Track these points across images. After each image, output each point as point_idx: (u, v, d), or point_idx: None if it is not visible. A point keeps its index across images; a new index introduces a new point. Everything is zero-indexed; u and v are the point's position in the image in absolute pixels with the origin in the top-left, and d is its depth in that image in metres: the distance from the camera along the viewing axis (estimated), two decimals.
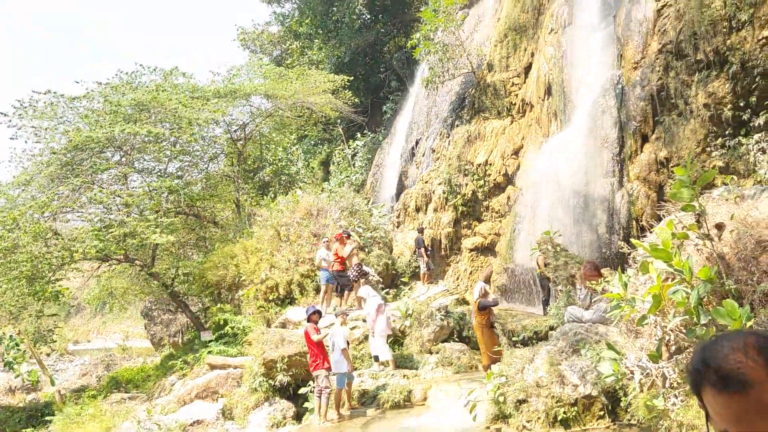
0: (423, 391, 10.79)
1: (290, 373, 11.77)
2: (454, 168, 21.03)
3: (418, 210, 22.63)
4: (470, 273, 20.57)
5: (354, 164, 32.25)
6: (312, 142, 36.77)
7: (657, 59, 14.07)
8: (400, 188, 25.75)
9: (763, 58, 11.72)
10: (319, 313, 11.17)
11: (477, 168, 20.35)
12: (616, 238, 14.09)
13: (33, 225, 16.86)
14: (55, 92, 19.79)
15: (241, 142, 25.72)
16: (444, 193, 21.27)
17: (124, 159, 20.59)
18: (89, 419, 14.72)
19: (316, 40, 35.32)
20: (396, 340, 13.54)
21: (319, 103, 25.26)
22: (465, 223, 20.98)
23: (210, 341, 17.25)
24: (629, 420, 7.19)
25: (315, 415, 10.56)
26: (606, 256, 14.30)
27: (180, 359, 17.89)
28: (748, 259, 5.72)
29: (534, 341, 11.58)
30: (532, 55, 19.93)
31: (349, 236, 15.85)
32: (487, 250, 20.42)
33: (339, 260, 15.23)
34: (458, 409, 9.17)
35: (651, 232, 7.02)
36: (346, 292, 15.46)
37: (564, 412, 7.50)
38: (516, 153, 19.53)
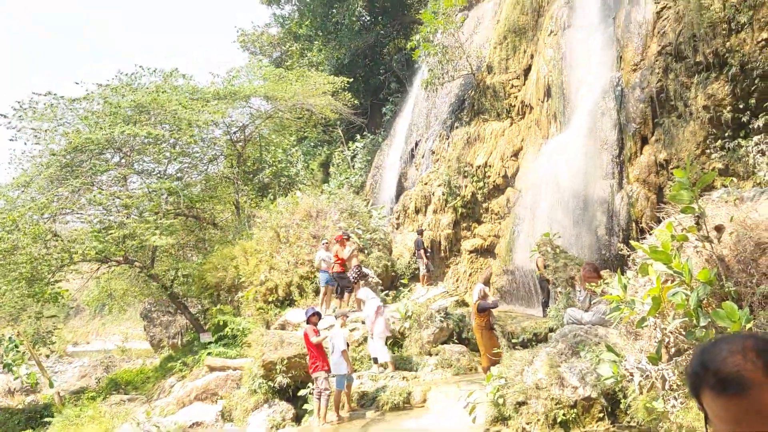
0: (422, 392, 10.78)
1: (289, 374, 11.76)
2: (454, 170, 21.04)
3: (417, 212, 22.63)
4: (470, 275, 20.57)
5: (353, 166, 32.24)
6: (311, 144, 36.77)
7: (656, 61, 14.09)
8: (400, 190, 25.75)
9: (763, 60, 11.73)
10: (318, 314, 11.17)
11: (476, 170, 20.36)
12: (615, 239, 14.10)
13: (32, 226, 16.85)
14: (55, 94, 19.80)
15: (240, 144, 25.72)
16: (443, 194, 21.28)
17: (123, 160, 20.59)
18: (88, 421, 14.70)
19: (316, 42, 35.34)
20: (395, 341, 13.53)
21: (319, 104, 25.26)
22: (464, 224, 20.98)
23: (209, 343, 17.24)
24: (629, 422, 7.18)
25: (314, 416, 10.55)
26: (605, 257, 14.31)
27: (179, 361, 17.88)
28: (748, 261, 5.72)
29: (533, 343, 11.59)
30: (532, 57, 19.94)
31: (348, 238, 15.85)
32: (486, 251, 20.42)
33: (339, 262, 15.23)
34: (458, 410, 9.17)
35: (650, 234, 7.02)
36: (345, 294, 15.45)
37: (563, 414, 7.50)
38: (515, 155, 19.53)
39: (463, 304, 16.05)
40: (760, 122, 11.88)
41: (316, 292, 16.25)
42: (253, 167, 27.79)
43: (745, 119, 12.17)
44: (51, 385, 18.68)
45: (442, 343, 13.24)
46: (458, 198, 20.76)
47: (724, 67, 12.50)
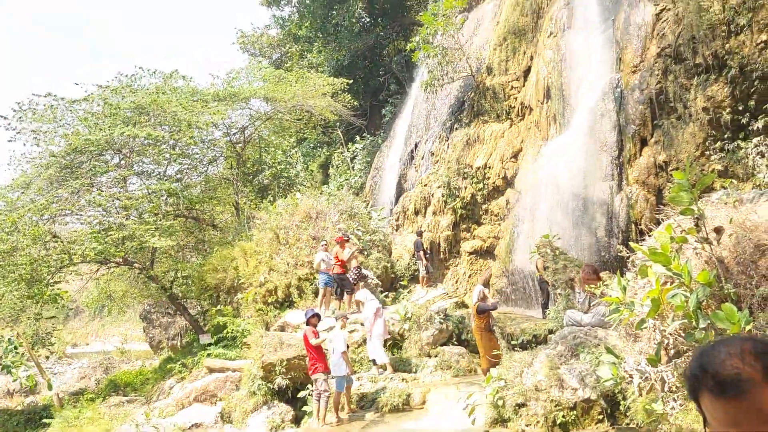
0: (422, 394, 10.78)
1: (289, 376, 11.75)
2: (453, 171, 21.04)
3: (417, 213, 22.64)
4: (469, 276, 20.57)
5: (353, 167, 32.25)
6: (311, 145, 36.78)
7: (656, 63, 14.10)
8: (399, 191, 25.76)
9: (762, 62, 11.74)
10: (318, 316, 11.15)
11: (476, 171, 20.36)
12: (615, 241, 14.10)
13: (32, 228, 16.85)
14: (54, 95, 19.81)
15: (240, 145, 25.73)
16: (443, 196, 21.29)
17: (123, 162, 20.60)
18: (87, 422, 14.70)
19: (316, 44, 35.37)
20: (395, 343, 13.52)
21: (319, 106, 25.28)
22: (464, 226, 20.98)
23: (209, 344, 17.23)
24: (628, 424, 7.18)
25: (314, 418, 10.53)
26: (605, 259, 14.31)
27: (179, 362, 17.87)
28: (747, 263, 5.72)
29: (533, 345, 11.58)
30: (531, 58, 19.96)
31: (348, 239, 15.85)
32: (486, 253, 20.42)
33: (339, 263, 15.22)
34: (457, 412, 9.16)
35: (650, 236, 7.02)
36: (345, 296, 15.44)
37: (563, 416, 7.49)
38: (515, 156, 19.54)
39: (463, 305, 16.04)
40: (759, 124, 11.89)
41: (316, 293, 16.24)
42: (253, 168, 27.82)
43: (744, 121, 12.18)
44: (50, 387, 18.67)
45: (442, 345, 13.23)
46: (458, 199, 20.76)
47: (723, 69, 12.52)
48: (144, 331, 28.16)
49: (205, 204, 22.99)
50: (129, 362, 26.45)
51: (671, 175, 12.46)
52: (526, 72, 20.17)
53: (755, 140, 12.00)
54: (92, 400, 17.80)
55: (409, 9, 34.40)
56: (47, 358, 26.55)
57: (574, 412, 7.53)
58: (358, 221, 19.25)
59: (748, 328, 4.90)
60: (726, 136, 12.54)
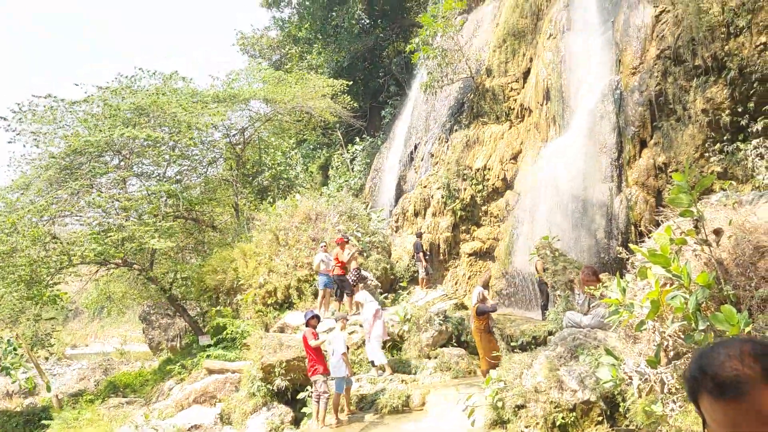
0: (421, 396, 10.77)
1: (288, 377, 11.75)
2: (453, 173, 21.05)
3: (416, 214, 22.64)
4: (469, 278, 20.57)
5: (353, 169, 32.26)
6: (311, 147, 36.80)
7: (655, 65, 14.11)
8: (399, 193, 25.77)
9: (761, 63, 11.76)
10: (317, 317, 11.15)
11: (476, 173, 20.37)
12: (614, 243, 14.10)
13: (31, 229, 16.84)
14: (55, 97, 19.81)
15: (240, 147, 25.74)
16: (443, 197, 21.29)
17: (122, 163, 20.60)
18: (87, 424, 14.69)
19: (316, 45, 35.39)
20: (394, 344, 13.52)
21: (318, 107, 25.29)
22: (463, 227, 20.98)
23: (208, 346, 17.22)
24: (628, 425, 7.17)
25: (313, 420, 10.53)
26: (604, 261, 14.31)
27: (178, 364, 17.86)
28: (746, 264, 5.73)
29: (532, 346, 11.57)
30: (531, 60, 19.98)
31: (348, 241, 15.85)
32: (485, 254, 20.42)
33: (339, 265, 15.21)
34: (457, 414, 9.16)
35: (649, 238, 7.02)
36: (345, 297, 15.43)
37: (562, 418, 7.49)
38: (515, 158, 19.55)
39: (462, 307, 16.04)
40: (758, 126, 11.90)
41: (315, 295, 16.24)
42: (253, 170, 27.82)
43: (743, 123, 12.19)
44: (48, 390, 18.66)
45: (441, 346, 13.23)
46: (457, 201, 20.77)
47: (722, 71, 12.53)
48: (143, 333, 28.16)
49: (205, 205, 23.00)
50: (128, 363, 26.43)
51: (671, 176, 12.46)
52: (526, 74, 20.19)
53: (754, 142, 12.01)
54: (91, 402, 17.79)
55: (408, 11, 34.43)
56: (47, 359, 26.53)
57: (574, 413, 7.53)
58: (358, 223, 19.26)
59: (747, 329, 4.90)
60: (725, 137, 12.55)
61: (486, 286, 12.74)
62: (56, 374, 28.36)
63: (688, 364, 1.52)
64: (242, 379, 12.94)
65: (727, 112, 12.40)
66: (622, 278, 6.56)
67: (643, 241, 7.49)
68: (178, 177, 22.99)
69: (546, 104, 18.33)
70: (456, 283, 20.79)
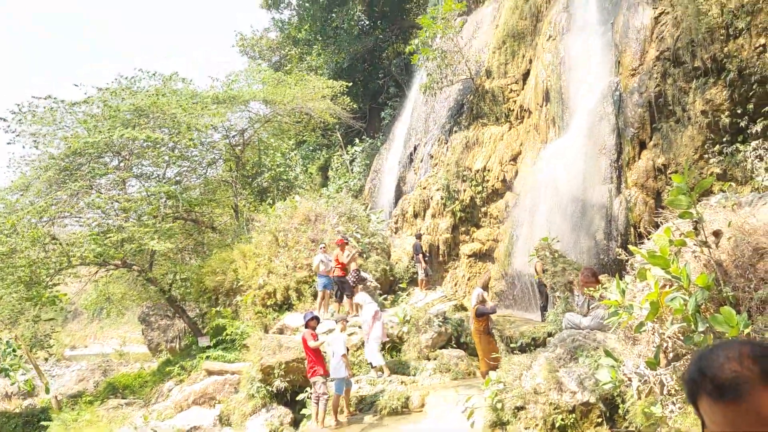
0: (421, 397, 10.77)
1: (288, 379, 11.75)
2: (453, 174, 21.05)
3: (416, 216, 22.64)
4: (468, 279, 20.56)
5: (352, 170, 32.27)
6: (310, 148, 36.80)
7: (655, 66, 14.13)
8: (398, 194, 25.77)
9: (760, 65, 11.77)
10: (317, 319, 11.15)
11: (475, 174, 20.37)
12: (613, 244, 14.11)
13: (31, 230, 16.83)
14: (55, 98, 19.80)
15: (239, 148, 25.73)
16: (442, 199, 21.29)
17: (122, 164, 20.60)
18: (86, 425, 14.67)
19: (315, 46, 35.40)
20: (394, 346, 13.52)
21: (318, 108, 25.30)
22: (463, 229, 20.98)
23: (207, 347, 17.21)
24: (627, 427, 7.18)
25: (312, 421, 10.53)
26: (604, 262, 14.31)
27: (177, 365, 17.84)
28: (746, 266, 5.73)
29: (532, 348, 11.57)
30: (530, 61, 19.99)
31: (347, 242, 15.85)
32: (485, 256, 20.42)
33: (340, 266, 15.19)
34: (456, 415, 9.16)
35: (649, 239, 7.03)
36: (345, 298, 15.42)
37: (562, 419, 7.49)
38: (514, 159, 19.56)
39: (462, 308, 16.05)
40: (758, 127, 11.91)
41: (315, 296, 16.23)
42: (252, 171, 27.80)
43: (743, 124, 12.20)
44: (47, 392, 18.63)
45: (441, 348, 13.22)
46: (457, 202, 20.76)
47: (722, 73, 12.54)
48: (142, 334, 28.12)
49: (204, 206, 22.98)
50: (127, 365, 26.40)
51: (670, 178, 12.49)
52: (525, 75, 20.20)
53: (754, 143, 12.02)
54: (90, 403, 17.76)
55: (408, 12, 34.46)
56: (46, 360, 26.49)
57: (573, 415, 7.53)
58: (357, 224, 19.25)
59: (746, 331, 4.90)
60: (724, 139, 12.56)
61: (485, 287, 12.75)
62: (55, 375, 28.33)
63: (688, 366, 1.52)
64: (241, 381, 12.93)
65: (727, 113, 12.41)
66: (621, 280, 6.57)
67: (642, 243, 7.49)
68: (177, 178, 22.97)
69: (545, 106, 18.35)
70: (455, 285, 20.79)
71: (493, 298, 18.10)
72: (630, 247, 6.95)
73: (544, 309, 14.54)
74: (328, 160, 35.07)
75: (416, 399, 10.71)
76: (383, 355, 12.54)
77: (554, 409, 7.58)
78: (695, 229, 5.94)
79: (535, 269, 14.02)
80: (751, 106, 12.03)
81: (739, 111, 12.23)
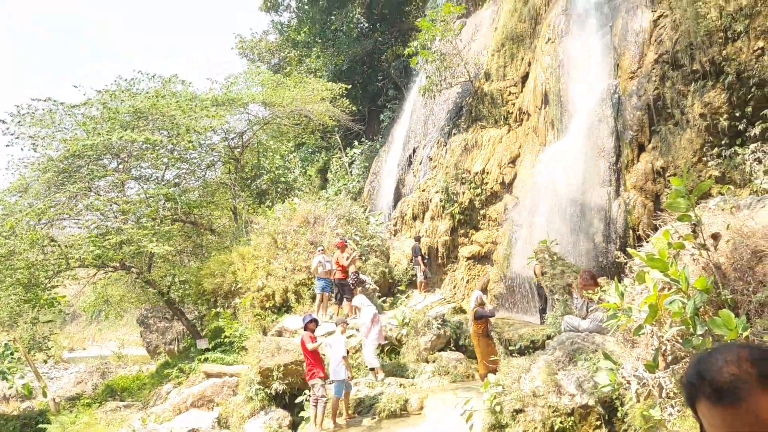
0: (419, 400, 10.76)
1: (286, 381, 11.73)
2: (451, 176, 21.06)
3: (415, 218, 22.63)
4: (467, 281, 20.56)
5: (351, 172, 32.28)
6: (309, 150, 36.82)
7: (653, 69, 14.15)
8: (397, 196, 25.77)
9: (759, 68, 11.78)
10: (315, 321, 11.13)
11: (474, 176, 20.38)
12: (612, 247, 14.11)
13: (29, 232, 16.82)
14: (54, 100, 19.81)
15: (238, 150, 25.74)
16: (441, 201, 21.29)
17: (121, 166, 20.59)
18: (84, 427, 14.65)
19: (314, 49, 35.44)
20: (393, 348, 13.50)
21: (317, 111, 25.32)
22: (462, 231, 20.98)
23: (206, 349, 17.19)
24: (626, 430, 7.16)
25: (311, 424, 10.51)
26: (603, 265, 14.31)
27: (176, 367, 17.83)
28: (744, 269, 5.73)
29: (531, 350, 11.57)
30: (529, 64, 20.01)
31: (345, 245, 15.84)
32: (484, 258, 20.42)
33: (340, 268, 15.17)
34: (455, 418, 9.14)
35: (647, 242, 7.02)
36: (345, 301, 15.39)
37: (561, 422, 7.48)
38: (513, 162, 19.57)
39: (461, 311, 16.03)
40: (756, 130, 11.92)
41: (313, 298, 16.21)
42: (251, 173, 27.82)
43: (741, 127, 12.21)
44: (44, 395, 18.60)
45: (440, 351, 13.22)
46: (456, 205, 20.77)
47: (720, 76, 12.56)
48: (141, 336, 28.08)
49: (203, 208, 22.98)
50: (126, 367, 26.36)
51: (669, 181, 12.49)
52: (524, 78, 20.22)
53: (752, 146, 12.03)
54: (89, 405, 17.74)
55: (407, 14, 34.52)
56: (45, 362, 26.45)
57: (572, 418, 7.52)
58: (356, 226, 19.25)
59: (745, 334, 4.90)
60: (723, 142, 12.57)
61: (484, 290, 12.75)
62: (54, 378, 28.29)
63: (686, 369, 1.52)
64: (240, 383, 12.91)
65: (725, 116, 12.42)
66: (620, 282, 6.56)
67: (641, 245, 7.49)
68: (176, 180, 22.97)
69: (544, 108, 18.36)
70: (454, 287, 20.78)
71: (492, 300, 18.09)
72: (629, 249, 6.95)
73: (543, 312, 14.53)
74: (327, 163, 35.08)
75: (415, 402, 10.70)
76: (381, 358, 12.52)
77: (553, 412, 7.57)
78: (694, 231, 5.94)
79: (534, 272, 14.00)
80: (749, 109, 12.04)
81: (737, 114, 12.24)
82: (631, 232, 14.17)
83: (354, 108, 30.21)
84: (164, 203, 19.82)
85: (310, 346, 10.47)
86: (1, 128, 18.97)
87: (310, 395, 10.64)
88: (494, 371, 9.45)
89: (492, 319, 11.78)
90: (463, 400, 8.97)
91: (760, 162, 11.85)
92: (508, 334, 13.02)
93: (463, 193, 20.64)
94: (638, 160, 14.47)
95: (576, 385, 7.64)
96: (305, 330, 10.80)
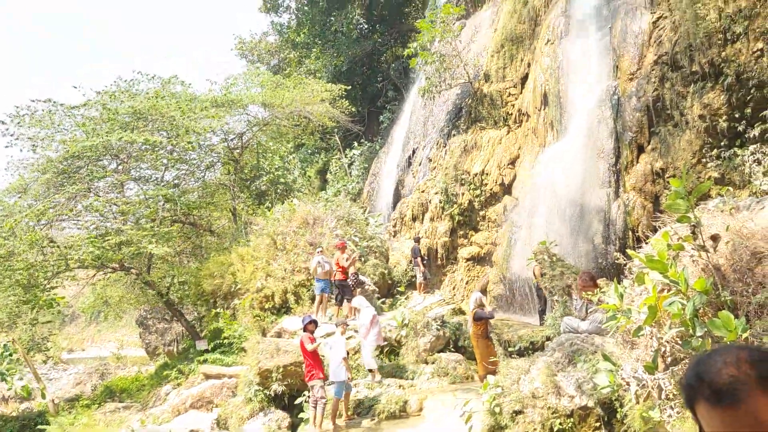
0: (419, 401, 10.75)
1: (285, 382, 11.72)
2: (451, 177, 21.06)
3: (414, 219, 22.63)
4: (467, 282, 20.55)
5: (351, 173, 32.28)
6: (309, 151, 36.82)
7: (653, 70, 14.16)
8: (397, 197, 25.77)
9: (758, 69, 11.79)
10: (315, 322, 11.11)
11: (473, 177, 20.38)
12: (612, 248, 14.11)
13: (29, 233, 16.81)
14: (53, 101, 19.80)
15: (237, 151, 25.73)
16: (440, 202, 21.29)
17: (120, 167, 20.59)
18: (83, 429, 14.62)
19: (314, 50, 35.45)
20: (392, 349, 13.49)
21: (317, 112, 25.32)
22: (461, 232, 20.98)
23: (205, 350, 17.17)
24: (625, 431, 7.17)
25: (310, 425, 10.50)
26: (602, 266, 14.31)
27: (175, 368, 17.82)
28: (744, 270, 5.73)
29: (530, 352, 11.56)
30: (529, 65, 20.02)
31: (345, 247, 15.83)
32: (483, 259, 20.42)
33: (341, 269, 15.15)
34: (454, 419, 9.13)
35: (647, 243, 7.02)
36: (345, 302, 15.37)
37: (560, 424, 7.47)
38: (512, 163, 19.57)
39: (460, 312, 16.02)
40: (755, 131, 11.93)
41: (313, 299, 16.20)
42: (250, 174, 27.81)
43: (740, 128, 12.22)
44: (43, 396, 18.57)
45: (439, 352, 13.21)
46: (455, 206, 20.76)
47: (719, 77, 12.57)
48: (140, 337, 28.08)
49: (203, 209, 22.97)
50: (125, 368, 26.35)
51: (668, 182, 12.51)
52: (524, 79, 20.23)
53: (752, 148, 12.04)
54: (88, 406, 17.72)
55: (407, 16, 34.54)
56: (44, 363, 26.43)
57: (571, 419, 7.52)
58: (356, 227, 19.25)
59: (744, 335, 4.90)
60: (722, 143, 12.58)
61: (484, 291, 12.74)
62: (53, 379, 28.26)
63: (685, 370, 1.52)
64: (239, 384, 12.90)
65: (724, 117, 12.43)
66: (619, 284, 6.56)
67: (640, 247, 7.49)
68: (176, 181, 22.96)
69: (544, 109, 18.37)
70: (454, 288, 20.78)
71: (492, 301, 18.08)
72: (628, 251, 6.96)
73: (542, 313, 14.53)
74: (327, 164, 35.08)
75: (414, 403, 10.69)
76: (381, 359, 12.51)
77: (552, 414, 7.56)
78: (693, 233, 5.93)
79: (534, 273, 14.01)
80: (748, 110, 12.05)
81: (736, 115, 12.25)
82: (630, 233, 14.17)
83: (353, 109, 30.22)
84: (164, 204, 19.82)
85: (309, 347, 10.46)
86: (1, 129, 18.96)
87: (309, 396, 10.63)
88: (494, 372, 9.44)
89: (491, 321, 11.78)
90: (463, 401, 8.97)
91: (759, 163, 11.86)
92: (508, 336, 13.02)
93: (463, 194, 20.64)
94: (637, 162, 14.47)
95: (575, 387, 7.64)
96: (304, 331, 10.79)
